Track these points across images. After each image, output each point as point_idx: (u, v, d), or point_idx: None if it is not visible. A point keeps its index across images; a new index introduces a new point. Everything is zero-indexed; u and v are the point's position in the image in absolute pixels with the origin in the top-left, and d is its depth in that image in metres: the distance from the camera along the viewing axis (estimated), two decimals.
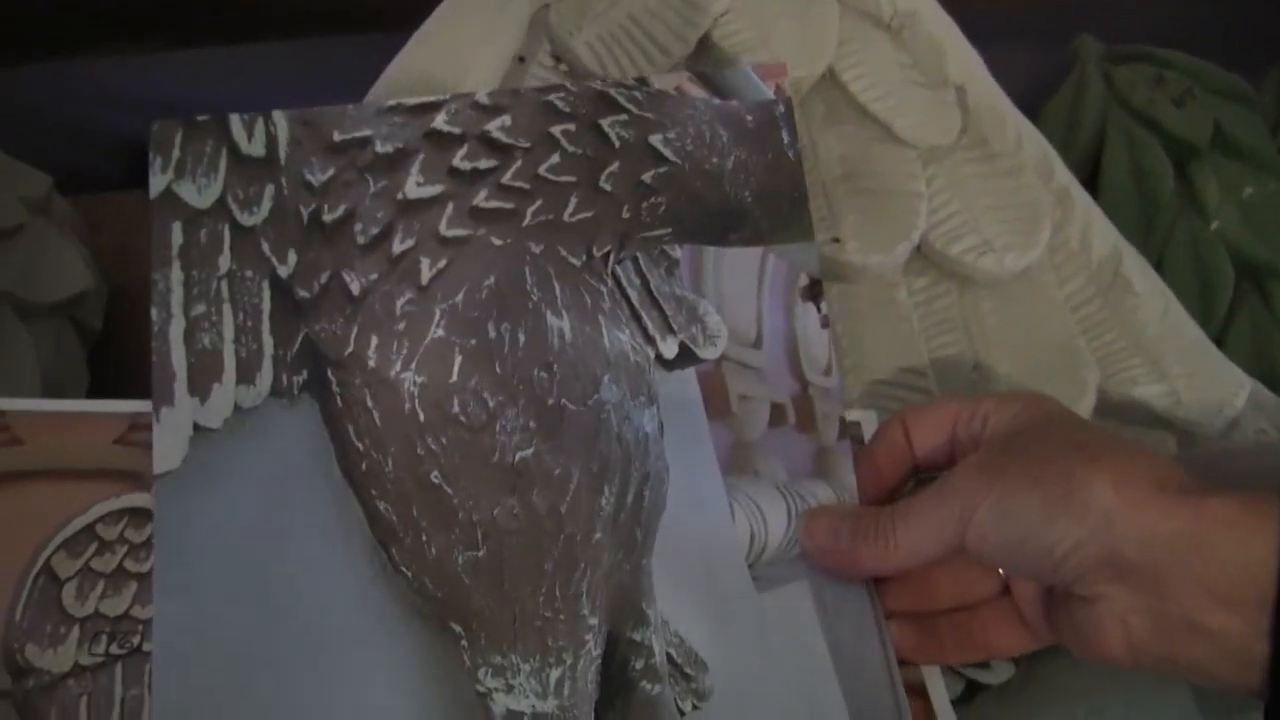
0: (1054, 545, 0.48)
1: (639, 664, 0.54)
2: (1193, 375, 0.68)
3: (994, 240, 0.69)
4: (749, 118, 0.60)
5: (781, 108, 0.61)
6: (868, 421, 0.61)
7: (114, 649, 0.53)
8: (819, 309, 0.61)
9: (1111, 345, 0.69)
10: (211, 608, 0.52)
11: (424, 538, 0.53)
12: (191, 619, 0.52)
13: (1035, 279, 0.70)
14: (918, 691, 0.56)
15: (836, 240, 0.66)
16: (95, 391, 0.71)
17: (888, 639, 0.56)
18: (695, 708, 0.55)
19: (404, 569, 0.53)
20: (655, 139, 0.58)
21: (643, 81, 0.60)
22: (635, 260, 0.59)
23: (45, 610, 0.53)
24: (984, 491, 0.50)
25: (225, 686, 0.52)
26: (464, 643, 0.53)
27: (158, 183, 0.55)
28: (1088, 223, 0.72)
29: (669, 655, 0.55)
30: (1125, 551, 0.46)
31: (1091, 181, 0.82)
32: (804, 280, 0.61)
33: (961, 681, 0.58)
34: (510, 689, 0.52)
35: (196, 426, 0.53)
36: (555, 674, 0.53)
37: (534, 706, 0.52)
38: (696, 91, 0.61)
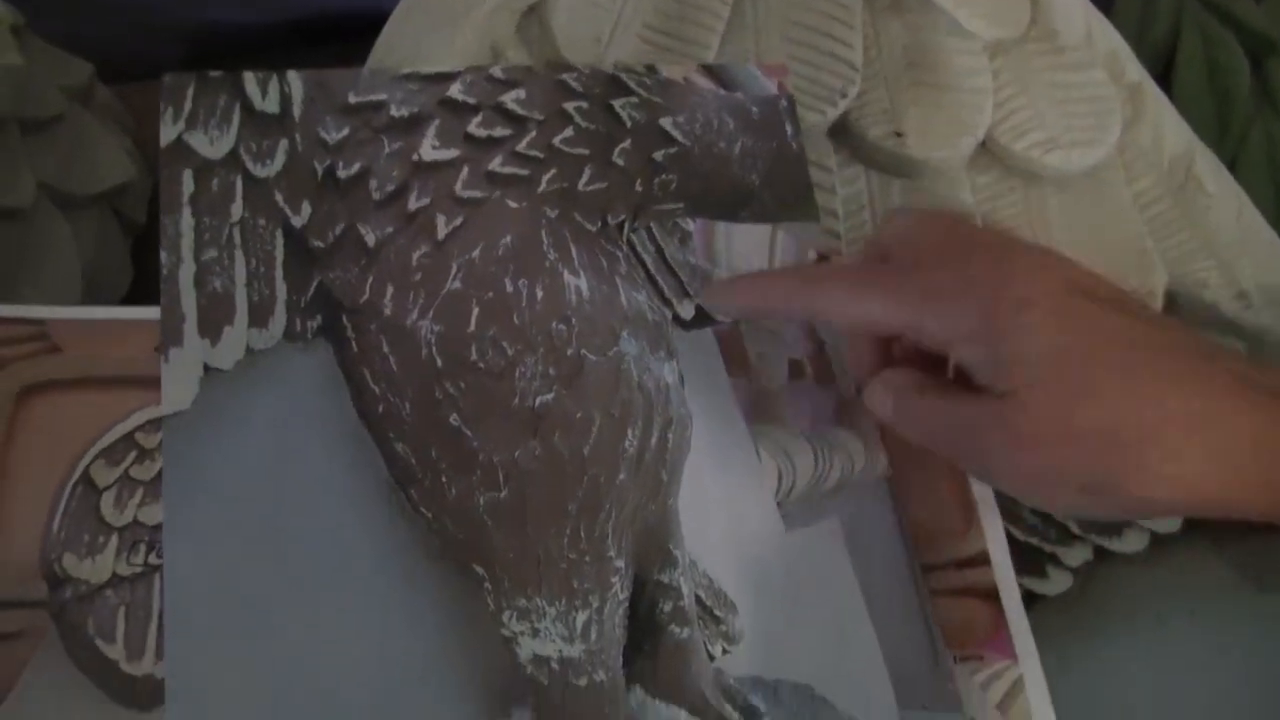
0: None
1: (667, 606, 0.53)
2: (1266, 280, 0.67)
3: (1061, 136, 0.67)
4: (754, 109, 0.62)
5: (784, 102, 0.63)
6: None
7: (152, 559, 0.51)
8: None
9: (1182, 247, 0.68)
10: (223, 550, 0.50)
11: (443, 479, 0.51)
12: (203, 561, 0.50)
13: (1103, 177, 0.69)
14: (987, 595, 0.55)
15: (899, 135, 0.65)
16: (139, 285, 0.69)
17: (920, 578, 0.56)
18: (725, 651, 0.54)
19: (423, 510, 0.52)
20: (665, 121, 0.59)
21: (651, 69, 0.62)
22: (649, 230, 0.60)
23: (83, 519, 0.52)
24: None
25: (239, 630, 0.49)
26: (487, 586, 0.51)
27: (168, 132, 0.55)
28: (1159, 120, 0.71)
29: (698, 597, 0.54)
30: None
31: (1165, 78, 0.80)
32: (813, 255, 0.62)
33: (1089, 548, 0.58)
34: (536, 633, 0.51)
35: (207, 368, 0.52)
36: (581, 618, 0.51)
37: (560, 651, 0.51)
38: (703, 83, 0.63)
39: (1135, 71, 0.72)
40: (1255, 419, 0.45)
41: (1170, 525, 0.60)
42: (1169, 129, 0.71)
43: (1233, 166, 0.74)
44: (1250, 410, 0.45)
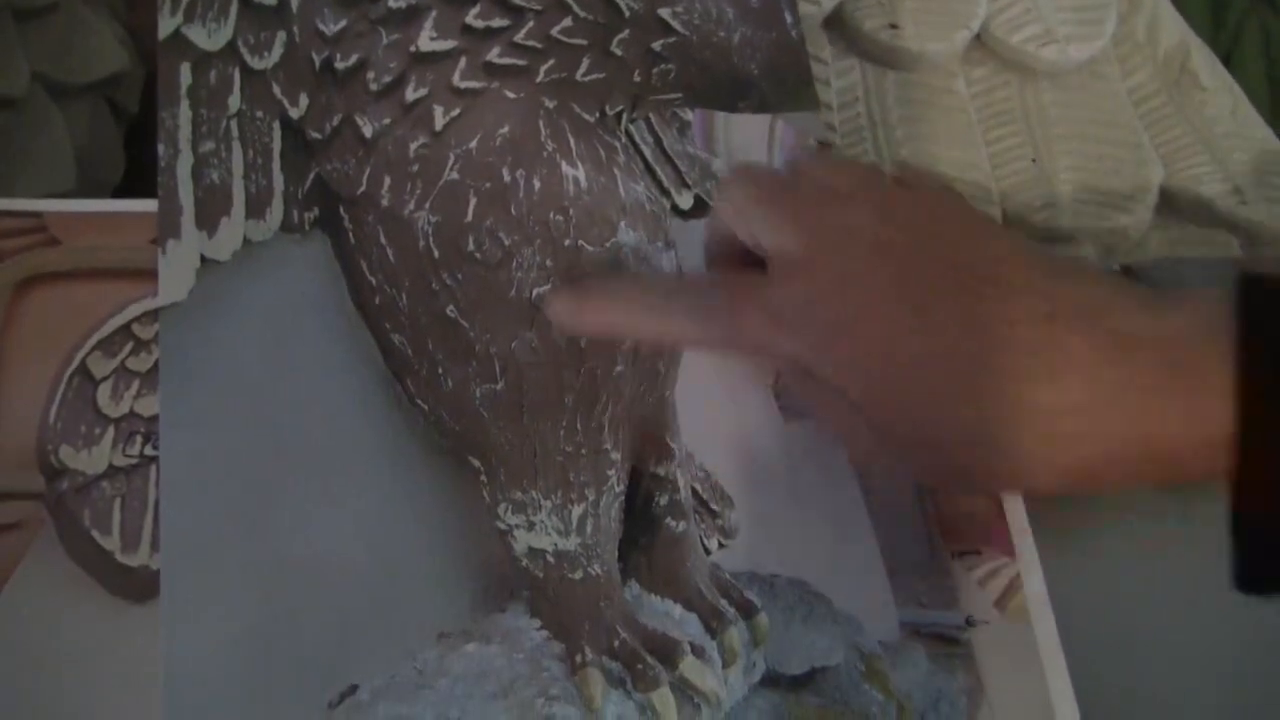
0: None
1: (663, 499, 0.53)
2: (1260, 175, 0.66)
3: (1057, 29, 0.67)
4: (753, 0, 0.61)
5: None
6: None
7: (148, 450, 0.52)
8: None
9: (1176, 141, 0.67)
10: (220, 438, 0.51)
11: (439, 370, 0.51)
12: (200, 450, 0.50)
13: (1099, 71, 0.69)
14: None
15: (894, 27, 0.65)
16: (131, 175, 0.69)
17: None
18: (721, 545, 0.54)
19: (420, 402, 0.52)
20: (664, 11, 0.58)
21: None
22: (648, 120, 0.59)
23: (80, 410, 0.52)
24: None
25: (235, 518, 0.50)
26: (483, 478, 0.52)
27: (166, 25, 0.54)
28: (1155, 14, 0.70)
29: (694, 491, 0.54)
30: None
31: None
32: (812, 143, 0.61)
33: None
34: (531, 526, 0.51)
35: (204, 259, 0.52)
36: (577, 511, 0.51)
37: (556, 544, 0.51)
38: None
39: None
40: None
41: None
42: (1164, 23, 0.70)
43: (1228, 61, 0.73)
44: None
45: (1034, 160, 0.64)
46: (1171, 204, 0.66)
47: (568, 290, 0.52)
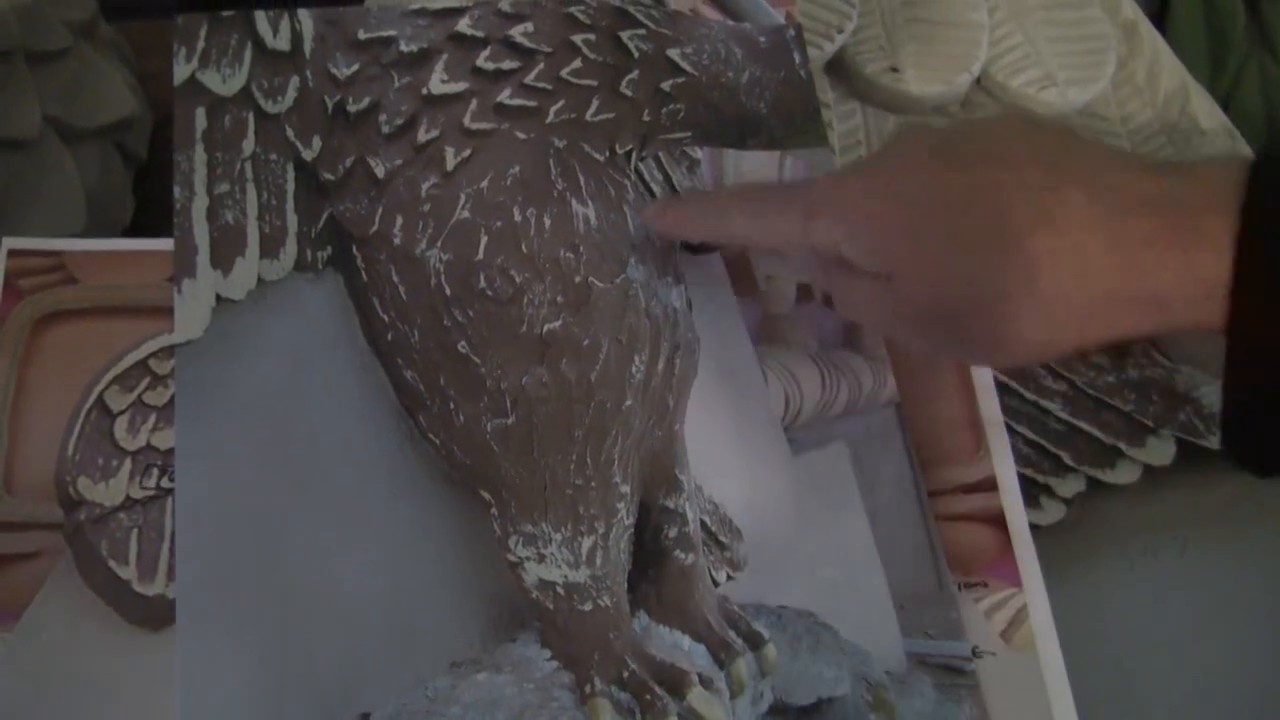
0: None
1: (672, 532, 0.54)
2: None
3: (1057, 74, 0.68)
4: (762, 39, 0.62)
5: (792, 31, 0.63)
6: None
7: (164, 482, 0.53)
8: None
9: None
10: (234, 473, 0.51)
11: (451, 405, 0.52)
12: (215, 485, 0.51)
13: (1098, 114, 0.69)
14: (993, 521, 0.56)
15: (894, 70, 0.66)
16: (140, 219, 0.70)
17: (926, 501, 0.56)
18: (730, 577, 0.54)
19: (431, 436, 0.53)
20: (673, 52, 0.59)
21: (659, 1, 0.62)
22: (657, 159, 0.60)
23: (98, 444, 0.53)
24: None
25: (250, 548, 0.50)
26: (494, 511, 0.52)
27: (181, 71, 0.56)
28: (1154, 58, 0.71)
29: (703, 523, 0.54)
30: None
31: (1160, 18, 0.80)
32: None
33: (1082, 479, 0.59)
34: (542, 558, 0.51)
35: (219, 298, 0.53)
36: (587, 543, 0.52)
37: (566, 576, 0.51)
38: (710, 14, 0.64)
39: (1130, 9, 0.72)
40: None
41: (1163, 458, 0.60)
42: (1164, 67, 0.71)
43: (1226, 106, 0.74)
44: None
45: None
46: None
47: (661, 202, 0.59)
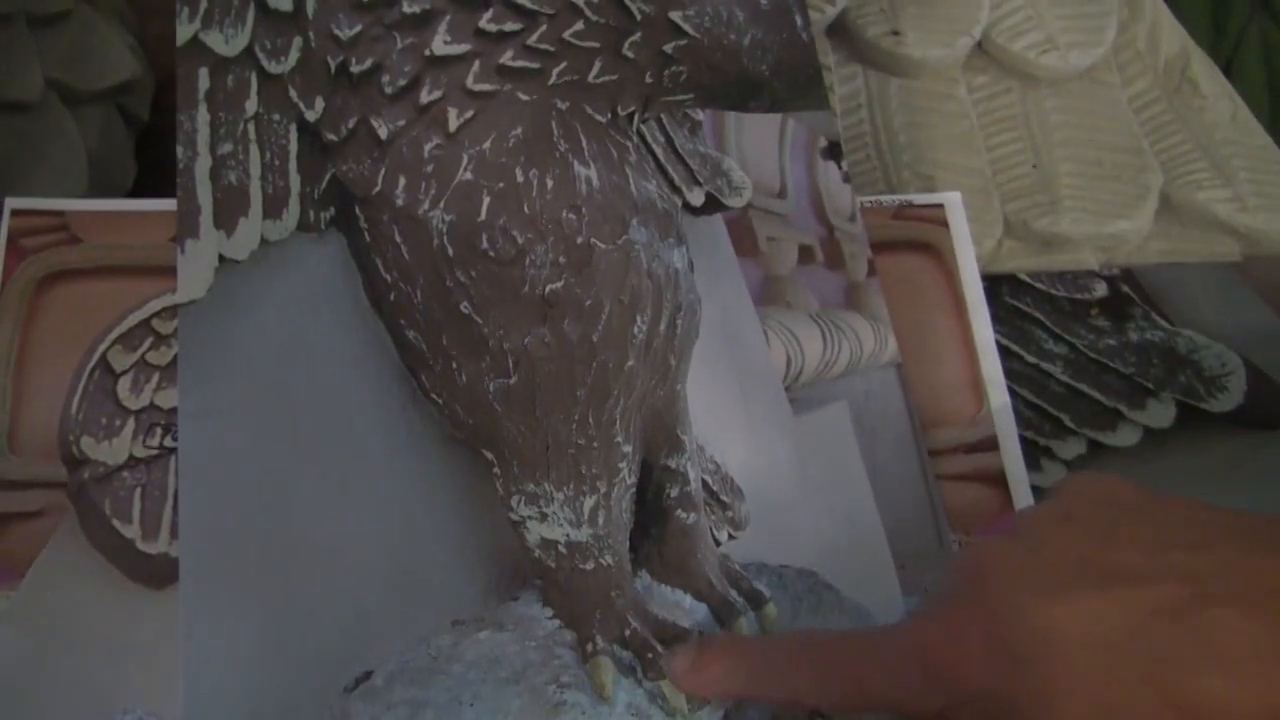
0: None
1: (674, 491, 0.54)
2: (1259, 181, 0.67)
3: (1058, 37, 0.68)
4: (764, 2, 0.62)
5: None
6: (951, 204, 0.61)
7: (168, 441, 0.53)
8: (840, 167, 0.62)
9: (1176, 148, 0.68)
10: (237, 433, 0.51)
11: (454, 365, 0.52)
12: (217, 444, 0.51)
13: (1099, 78, 0.70)
14: (994, 480, 0.56)
15: (896, 34, 0.66)
16: (142, 182, 0.70)
17: (927, 461, 0.56)
18: (731, 536, 0.54)
19: (434, 396, 0.53)
20: (675, 15, 0.59)
21: None
22: (659, 120, 0.60)
23: (101, 403, 0.54)
24: None
25: (253, 507, 0.51)
26: (496, 471, 0.52)
27: (184, 31, 0.55)
28: (1155, 22, 0.71)
29: (705, 483, 0.54)
30: None
31: None
32: (823, 142, 0.62)
33: (1083, 442, 0.58)
34: (544, 518, 0.52)
35: (222, 259, 0.53)
36: (589, 503, 0.52)
37: (568, 535, 0.52)
38: None
39: None
40: None
41: (1163, 421, 0.60)
42: (1165, 31, 0.71)
43: (1228, 70, 0.74)
44: None
45: (1035, 166, 0.65)
46: (1171, 209, 0.67)
47: (688, 650, 0.49)
